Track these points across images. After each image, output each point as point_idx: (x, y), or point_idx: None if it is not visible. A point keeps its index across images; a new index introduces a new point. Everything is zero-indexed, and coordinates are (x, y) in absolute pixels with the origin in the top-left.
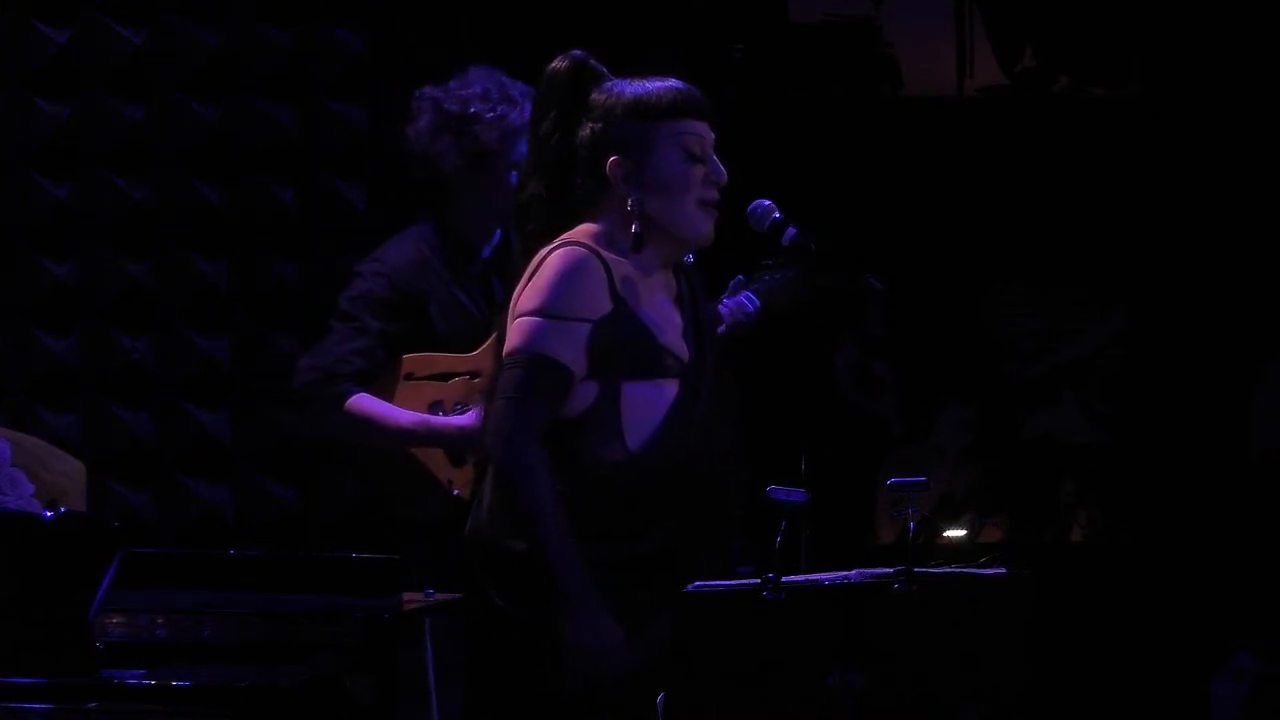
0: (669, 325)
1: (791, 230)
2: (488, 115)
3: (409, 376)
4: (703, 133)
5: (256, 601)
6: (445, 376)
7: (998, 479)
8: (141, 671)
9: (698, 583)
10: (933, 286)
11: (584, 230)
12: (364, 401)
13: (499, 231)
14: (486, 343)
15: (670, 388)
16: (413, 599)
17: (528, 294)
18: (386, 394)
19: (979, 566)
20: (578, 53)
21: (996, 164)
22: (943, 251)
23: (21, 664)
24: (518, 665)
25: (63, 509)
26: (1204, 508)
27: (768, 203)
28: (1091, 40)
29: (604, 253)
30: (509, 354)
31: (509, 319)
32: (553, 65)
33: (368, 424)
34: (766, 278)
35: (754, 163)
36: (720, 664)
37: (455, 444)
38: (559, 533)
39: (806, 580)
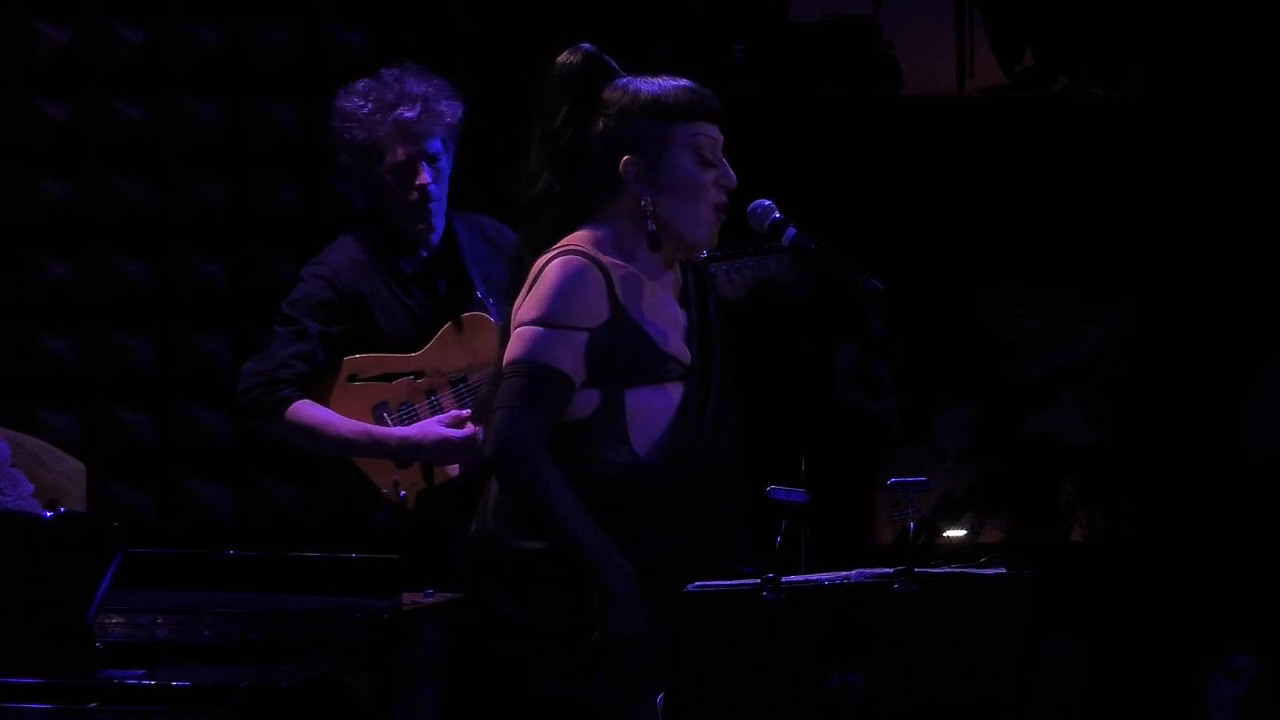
0: (671, 328)
1: (791, 230)
2: (360, 113)
3: (352, 378)
4: (715, 136)
5: (256, 601)
6: (389, 377)
7: (998, 479)
8: (141, 671)
9: (698, 583)
10: (933, 286)
11: (583, 236)
12: (305, 409)
13: (439, 231)
14: (430, 342)
15: (674, 391)
16: (413, 599)
17: (528, 303)
18: (329, 396)
19: (979, 566)
20: (588, 46)
21: (996, 164)
22: (943, 251)
23: (21, 664)
24: (520, 667)
25: (63, 509)
26: (1203, 508)
27: (768, 202)
28: (1091, 40)
29: (604, 259)
30: (510, 363)
31: (511, 326)
32: (563, 59)
33: (309, 431)
34: (713, 269)
35: (753, 162)
36: (720, 664)
37: (397, 454)
38: (581, 519)
39: (806, 580)
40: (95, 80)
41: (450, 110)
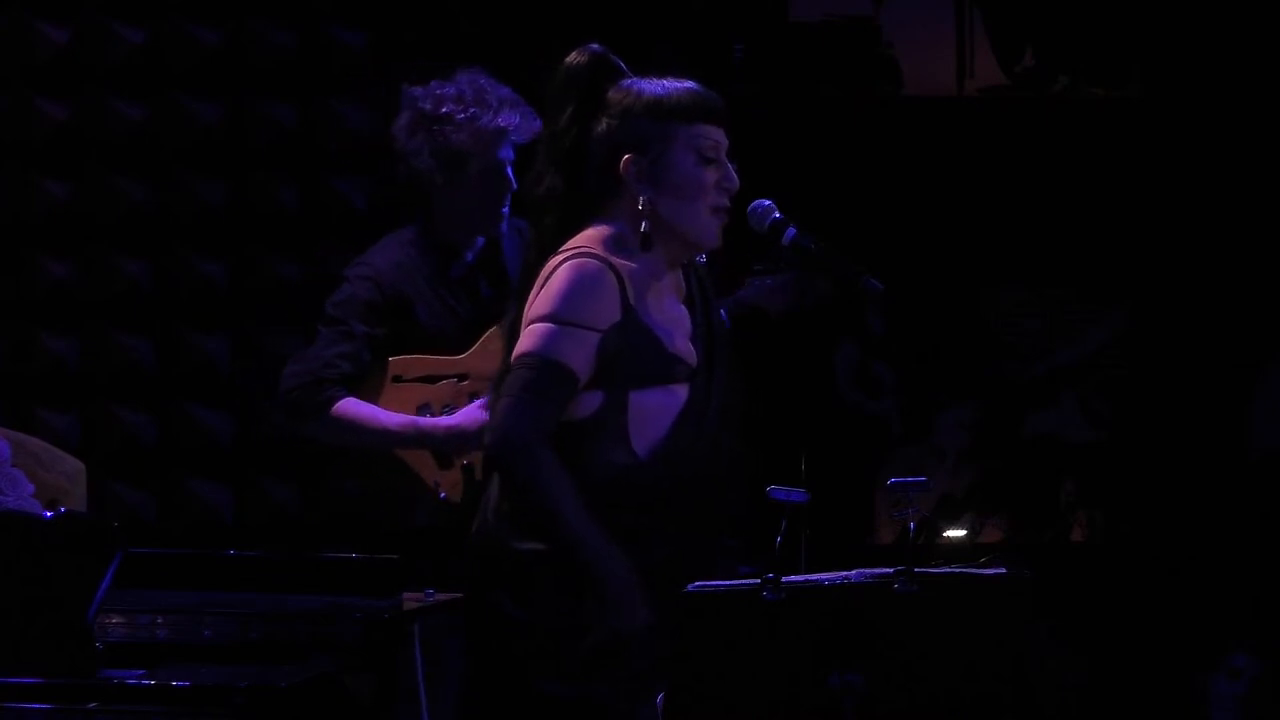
0: (679, 330)
1: (791, 230)
2: (459, 116)
3: (396, 379)
4: (718, 138)
5: (256, 601)
6: (433, 379)
7: (998, 479)
8: (141, 671)
9: (698, 583)
10: (933, 286)
11: (595, 235)
12: (350, 405)
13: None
14: (474, 345)
15: (680, 392)
16: (413, 599)
17: (540, 301)
18: (374, 397)
19: (979, 566)
20: (595, 47)
21: (996, 164)
22: (943, 251)
23: (21, 664)
24: (519, 667)
25: (63, 509)
26: (1203, 508)
27: (768, 202)
28: (1091, 40)
29: (616, 260)
30: (519, 356)
31: (522, 325)
32: (570, 59)
33: (355, 427)
34: (756, 283)
35: (753, 162)
36: (720, 664)
37: (444, 444)
38: (581, 515)
39: (806, 580)
40: (95, 80)
41: (535, 117)
